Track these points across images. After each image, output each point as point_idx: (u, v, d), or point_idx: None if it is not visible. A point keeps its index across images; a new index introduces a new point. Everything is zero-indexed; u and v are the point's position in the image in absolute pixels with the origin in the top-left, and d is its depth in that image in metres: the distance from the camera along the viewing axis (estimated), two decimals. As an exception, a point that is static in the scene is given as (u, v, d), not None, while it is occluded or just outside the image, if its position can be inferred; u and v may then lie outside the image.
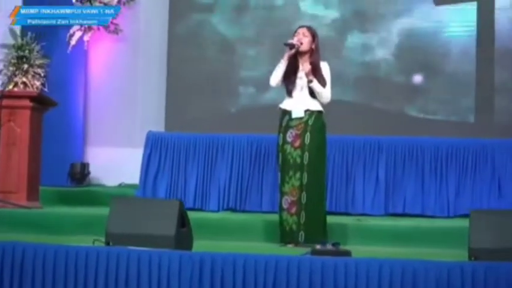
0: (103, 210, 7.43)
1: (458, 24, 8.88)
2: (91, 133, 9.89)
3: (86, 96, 9.85)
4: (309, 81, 6.32)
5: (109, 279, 4.13)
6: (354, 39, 9.03)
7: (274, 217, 6.55)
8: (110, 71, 9.84)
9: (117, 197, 5.93)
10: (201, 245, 5.28)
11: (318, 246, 4.75)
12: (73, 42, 9.67)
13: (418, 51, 8.96)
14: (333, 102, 8.84)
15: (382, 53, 8.99)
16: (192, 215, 5.88)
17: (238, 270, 3.76)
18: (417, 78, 8.99)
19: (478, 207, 7.85)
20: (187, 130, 8.76)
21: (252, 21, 9.23)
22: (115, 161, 9.55)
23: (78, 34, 9.70)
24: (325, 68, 6.44)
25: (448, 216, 7.83)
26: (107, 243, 4.94)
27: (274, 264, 3.79)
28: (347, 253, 4.65)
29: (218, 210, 7.99)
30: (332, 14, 9.05)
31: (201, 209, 8.03)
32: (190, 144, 8.20)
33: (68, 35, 9.58)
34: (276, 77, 6.35)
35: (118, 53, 9.78)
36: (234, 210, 8.00)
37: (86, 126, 9.86)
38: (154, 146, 8.25)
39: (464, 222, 6.74)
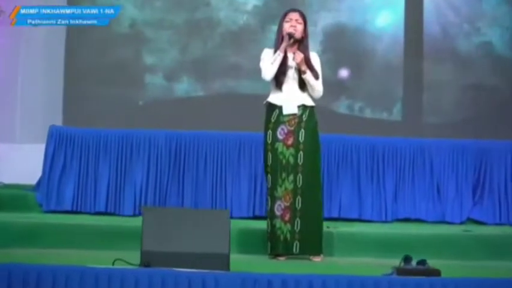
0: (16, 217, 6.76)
1: (387, 18, 8.60)
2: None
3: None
4: (303, 73, 5.82)
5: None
6: (275, 28, 8.50)
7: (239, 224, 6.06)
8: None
9: (149, 207, 5.16)
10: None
11: (402, 264, 4.26)
12: None
13: (345, 45, 8.63)
14: (256, 97, 8.48)
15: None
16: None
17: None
18: (344, 74, 8.64)
19: (417, 211, 7.65)
20: (87, 125, 8.03)
21: (163, 3, 8.56)
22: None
23: (-50, 15, 8.74)
24: (315, 59, 5.99)
25: (386, 221, 7.53)
26: (146, 265, 4.23)
27: (359, 286, 3.26)
28: (437, 272, 4.19)
29: (134, 215, 7.33)
30: (253, 0, 8.53)
31: (114, 214, 7.35)
32: (101, 141, 7.49)
33: None
34: (273, 70, 5.81)
35: (-3, 38, 8.90)
36: (152, 215, 7.37)
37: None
38: (59, 142, 7.47)
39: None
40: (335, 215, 7.52)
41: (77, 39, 8.44)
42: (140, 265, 4.31)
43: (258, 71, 8.53)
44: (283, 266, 5.36)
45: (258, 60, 8.56)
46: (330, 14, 8.59)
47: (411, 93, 8.65)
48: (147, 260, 4.28)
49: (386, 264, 4.96)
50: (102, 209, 7.32)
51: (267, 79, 5.85)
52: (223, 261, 4.31)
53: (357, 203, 7.60)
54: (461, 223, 7.71)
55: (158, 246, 4.34)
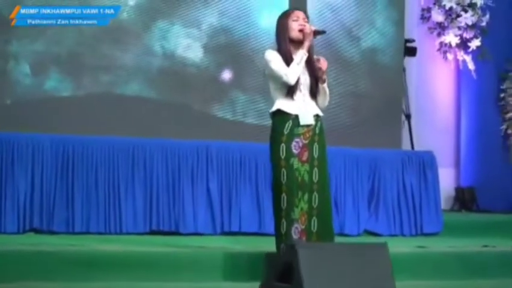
0: None
1: (271, 19, 8.21)
2: None
3: None
4: (323, 81, 5.24)
5: None
6: (159, 25, 7.93)
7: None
8: None
9: (302, 243, 4.57)
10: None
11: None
12: None
13: (228, 44, 8.17)
14: (135, 99, 7.83)
15: (189, 45, 8.02)
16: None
17: None
18: (227, 75, 8.19)
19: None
20: None
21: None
22: None
23: None
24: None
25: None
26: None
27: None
28: None
29: (18, 232, 6.50)
30: (136, -6, 7.88)
31: (-5, 231, 6.48)
32: (-24, 146, 6.58)
33: None
34: (299, 72, 5.15)
35: None
36: (38, 231, 6.59)
37: None
38: None
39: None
40: (236, 229, 7.13)
41: None
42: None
43: (139, 70, 7.97)
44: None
45: (141, 58, 8.03)
46: (214, 15, 8.10)
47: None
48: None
49: None
50: (-20, 227, 6.48)
51: (292, 82, 5.16)
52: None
53: (257, 216, 7.25)
54: (358, 235, 7.57)
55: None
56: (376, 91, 8.64)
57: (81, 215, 6.71)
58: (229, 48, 8.17)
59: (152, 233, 6.87)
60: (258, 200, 7.27)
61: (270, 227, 7.09)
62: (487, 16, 10.00)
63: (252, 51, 8.22)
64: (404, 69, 9.07)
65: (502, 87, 10.36)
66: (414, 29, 9.83)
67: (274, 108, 5.24)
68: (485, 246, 6.61)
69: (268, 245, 5.88)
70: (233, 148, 7.28)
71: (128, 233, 6.78)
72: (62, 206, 6.67)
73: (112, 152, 6.89)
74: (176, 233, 6.91)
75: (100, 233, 6.68)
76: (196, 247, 5.91)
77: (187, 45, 8.03)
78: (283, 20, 5.31)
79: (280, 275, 4.02)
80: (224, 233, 7.08)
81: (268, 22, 8.28)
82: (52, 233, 6.57)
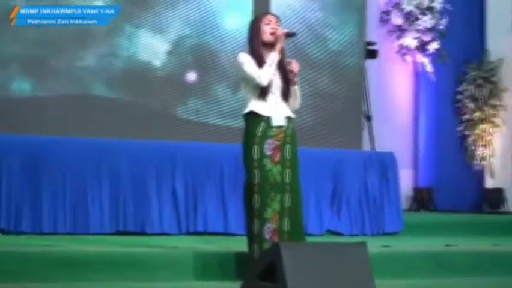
0: None
1: (235, 20, 8.35)
2: None
3: None
4: (294, 83, 5.30)
5: None
6: (125, 27, 8.00)
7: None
8: None
9: (285, 243, 4.60)
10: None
11: None
12: None
13: (193, 46, 8.26)
14: (97, 100, 7.88)
15: (154, 47, 8.10)
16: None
17: None
18: (190, 76, 8.27)
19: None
20: None
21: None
22: None
23: None
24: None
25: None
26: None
27: None
28: None
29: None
30: (105, -2, 7.94)
31: (-38, 232, 6.48)
32: None
33: None
34: (271, 73, 5.20)
35: None
36: (6, 232, 6.58)
37: None
38: None
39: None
40: (201, 229, 7.21)
41: None
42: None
43: (104, 71, 8.02)
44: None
45: (106, 60, 8.07)
46: (178, 17, 8.18)
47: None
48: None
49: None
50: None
51: (265, 84, 5.22)
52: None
53: (222, 216, 7.33)
54: (321, 235, 7.69)
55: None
56: (337, 92, 8.80)
57: (48, 216, 6.74)
58: (193, 50, 8.26)
59: (119, 233, 6.92)
60: (223, 200, 7.35)
61: (235, 227, 7.30)
62: (445, 19, 10.23)
63: (216, 53, 8.32)
64: (365, 71, 9.24)
65: (458, 89, 10.61)
66: (374, 32, 10.01)
67: (247, 110, 5.32)
68: (448, 245, 6.79)
69: (236, 244, 6.01)
70: (197, 149, 7.37)
71: (94, 234, 6.82)
72: (29, 206, 6.68)
73: (78, 153, 6.91)
74: (142, 233, 6.98)
75: (67, 234, 6.72)
76: (166, 247, 5.97)
77: (152, 47, 8.10)
78: (255, 24, 5.38)
79: (261, 274, 4.11)
80: (190, 233, 7.15)
81: (232, 24, 8.41)
82: (19, 233, 6.60)
